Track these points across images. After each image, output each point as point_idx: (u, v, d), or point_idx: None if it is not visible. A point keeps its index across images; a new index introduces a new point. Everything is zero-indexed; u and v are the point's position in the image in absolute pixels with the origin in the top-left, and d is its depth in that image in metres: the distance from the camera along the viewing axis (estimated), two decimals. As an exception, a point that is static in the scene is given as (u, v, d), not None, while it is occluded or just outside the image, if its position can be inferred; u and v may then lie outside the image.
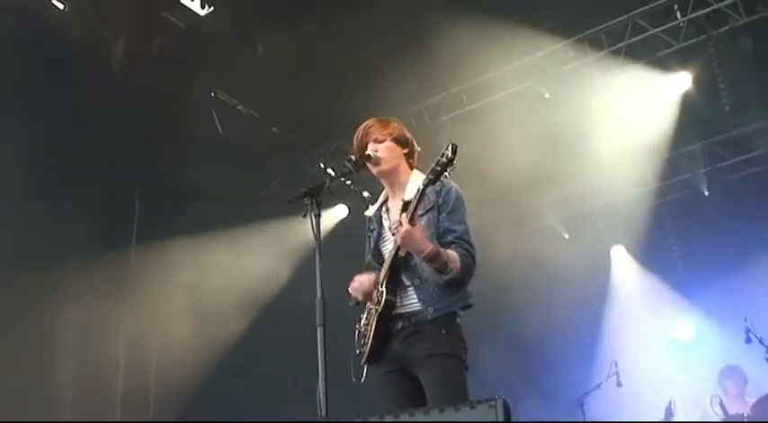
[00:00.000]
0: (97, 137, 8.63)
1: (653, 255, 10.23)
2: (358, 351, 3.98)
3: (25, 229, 7.68)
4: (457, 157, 3.66)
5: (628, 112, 9.19)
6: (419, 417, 2.20)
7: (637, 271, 10.50)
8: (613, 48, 9.00)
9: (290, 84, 8.80)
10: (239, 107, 9.93)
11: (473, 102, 9.67)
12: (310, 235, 3.72)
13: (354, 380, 3.92)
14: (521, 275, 9.65)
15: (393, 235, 3.86)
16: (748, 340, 7.15)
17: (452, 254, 3.78)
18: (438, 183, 3.77)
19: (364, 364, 3.95)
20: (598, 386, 7.55)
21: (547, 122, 9.24)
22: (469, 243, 3.89)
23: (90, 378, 8.24)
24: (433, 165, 3.70)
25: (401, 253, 3.88)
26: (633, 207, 10.39)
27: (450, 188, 3.96)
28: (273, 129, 10.14)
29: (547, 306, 9.70)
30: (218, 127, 9.78)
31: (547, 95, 9.36)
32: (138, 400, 8.86)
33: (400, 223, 3.73)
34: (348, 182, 3.91)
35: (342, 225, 10.42)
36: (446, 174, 3.70)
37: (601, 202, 10.39)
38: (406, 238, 3.71)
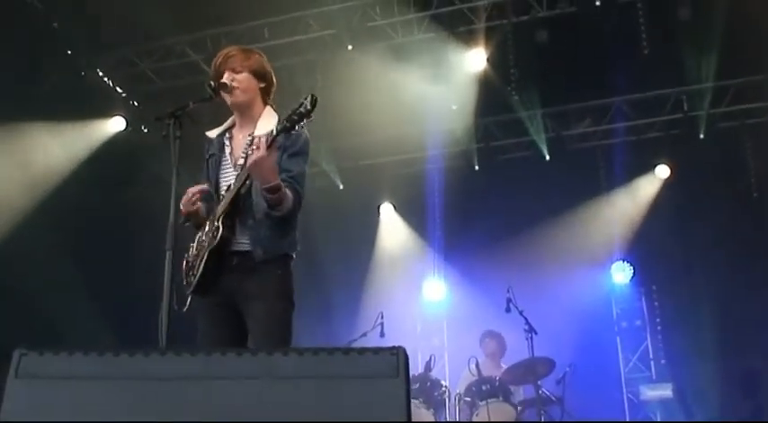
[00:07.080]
0: None
1: (420, 217, 10.69)
2: (185, 281, 3.88)
3: None
4: (314, 111, 3.65)
5: (420, 78, 9.47)
6: (323, 356, 2.22)
7: (402, 229, 10.98)
8: (419, 14, 9.25)
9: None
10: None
11: (275, 38, 9.47)
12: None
13: (177, 308, 3.81)
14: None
15: (245, 160, 3.79)
16: (508, 310, 7.29)
17: (288, 193, 3.76)
18: None
19: (190, 293, 3.87)
20: (364, 335, 7.72)
21: (345, 73, 9.33)
22: (301, 186, 3.89)
23: None
24: (290, 113, 3.66)
25: (243, 190, 3.82)
26: (407, 169, 10.87)
27: (302, 134, 3.92)
28: (54, 24, 9.31)
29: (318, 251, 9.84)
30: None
31: (350, 47, 9.43)
32: None
33: (257, 147, 3.64)
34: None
35: (117, 138, 9.88)
36: (301, 124, 3.67)
37: (378, 159, 10.73)
38: (259, 162, 3.62)
